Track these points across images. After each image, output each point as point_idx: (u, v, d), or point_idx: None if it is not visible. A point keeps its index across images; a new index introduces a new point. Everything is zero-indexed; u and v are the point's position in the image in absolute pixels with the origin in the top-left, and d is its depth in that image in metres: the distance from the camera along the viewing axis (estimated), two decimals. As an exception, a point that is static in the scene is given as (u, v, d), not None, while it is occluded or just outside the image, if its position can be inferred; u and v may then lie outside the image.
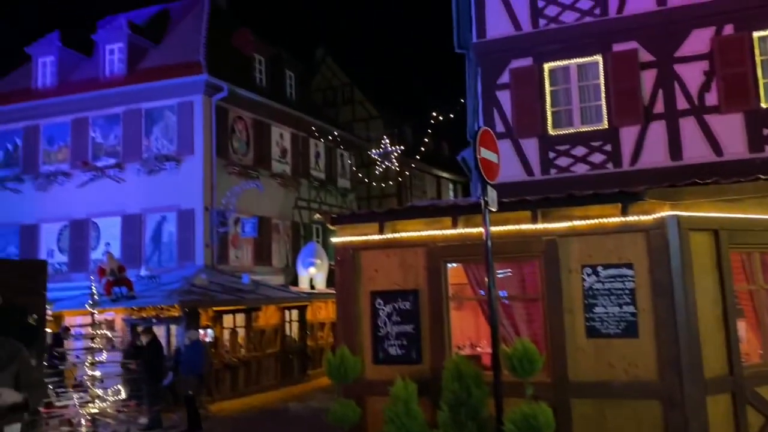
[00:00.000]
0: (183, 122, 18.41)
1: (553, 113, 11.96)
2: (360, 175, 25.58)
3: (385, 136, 20.51)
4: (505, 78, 12.59)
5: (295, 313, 17.41)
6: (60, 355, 11.41)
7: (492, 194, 5.73)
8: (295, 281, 20.72)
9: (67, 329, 13.08)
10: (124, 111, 19.04)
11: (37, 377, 3.86)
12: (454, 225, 6.28)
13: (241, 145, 19.91)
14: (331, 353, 6.23)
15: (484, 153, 5.53)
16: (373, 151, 20.44)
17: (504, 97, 12.56)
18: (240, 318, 15.17)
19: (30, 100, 20.18)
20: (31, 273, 9.18)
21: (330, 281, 20.42)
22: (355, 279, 6.56)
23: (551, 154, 11.83)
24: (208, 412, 12.45)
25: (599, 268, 6.25)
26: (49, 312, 11.43)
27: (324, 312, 18.41)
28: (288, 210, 21.89)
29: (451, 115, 19.13)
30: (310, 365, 17.43)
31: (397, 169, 21.89)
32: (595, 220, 6.19)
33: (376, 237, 6.52)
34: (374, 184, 25.69)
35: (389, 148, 20.38)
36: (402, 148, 20.69)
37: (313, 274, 19.31)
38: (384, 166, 20.84)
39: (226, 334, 14.84)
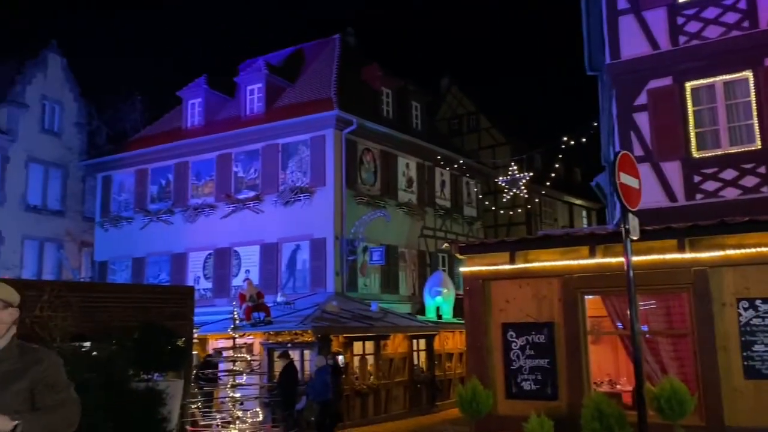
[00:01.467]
0: (315, 155, 19.26)
1: (697, 134, 11.17)
2: (486, 203, 25.30)
3: (512, 163, 20.18)
4: (642, 99, 12.00)
5: (422, 342, 17.39)
6: (207, 377, 12.13)
7: (633, 222, 5.41)
8: (421, 310, 20.74)
9: (219, 352, 13.83)
10: (263, 147, 20.26)
11: (62, 398, 3.07)
12: (592, 254, 5.99)
13: (368, 176, 20.44)
14: (461, 385, 6.10)
15: (624, 178, 5.25)
16: (501, 178, 20.17)
17: (642, 119, 11.95)
18: (369, 345, 15.40)
19: (181, 139, 22.04)
20: (180, 298, 9.90)
21: (457, 311, 20.23)
22: (485, 310, 6.42)
23: (696, 178, 11.02)
24: (340, 438, 12.66)
25: (758, 302, 5.69)
26: (195, 335, 12.22)
27: (451, 342, 18.24)
28: (414, 239, 22.07)
29: (584, 140, 18.45)
30: (438, 396, 17.28)
31: (526, 196, 21.41)
32: (753, 249, 5.64)
33: (507, 267, 6.36)
34: (501, 212, 25.29)
35: (517, 175, 20.00)
36: (531, 174, 20.23)
37: (440, 303, 19.22)
38: (512, 194, 20.48)
39: (356, 361, 15.11)
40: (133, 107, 27.88)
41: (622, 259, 5.42)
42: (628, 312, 5.25)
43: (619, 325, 6.19)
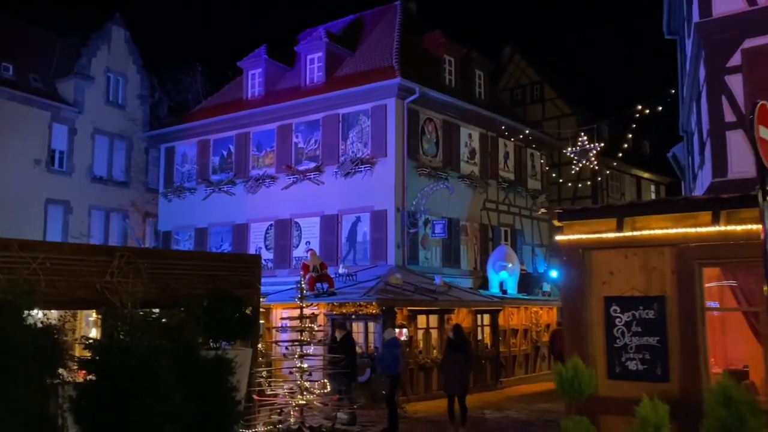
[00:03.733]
0: (376, 126, 18.83)
1: (799, 97, 10.17)
2: (554, 175, 24.39)
3: (582, 133, 19.23)
4: (736, 60, 11.01)
5: (486, 317, 16.91)
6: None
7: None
8: (483, 285, 20.24)
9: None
10: (323, 117, 19.95)
11: None
12: (715, 221, 5.31)
13: (430, 147, 19.90)
14: (559, 364, 5.57)
15: (764, 132, 4.57)
16: (569, 149, 19.28)
17: (735, 82, 10.98)
18: (433, 319, 15.05)
19: (241, 110, 21.97)
20: (248, 267, 9.75)
21: (521, 286, 19.64)
22: (585, 282, 5.85)
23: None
24: (405, 412, 12.40)
25: None
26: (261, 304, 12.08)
27: (516, 318, 17.70)
28: (476, 212, 21.47)
29: (659, 108, 17.35)
30: (502, 372, 16.83)
31: (596, 167, 20.43)
32: None
33: (612, 235, 5.75)
34: (569, 184, 24.35)
35: (588, 146, 19.06)
36: (602, 144, 19.25)
37: (504, 278, 18.66)
38: (580, 166, 19.57)
39: (420, 335, 14.79)
40: (195, 78, 28.05)
41: (750, 227, 4.79)
42: (766, 287, 4.59)
43: (743, 301, 5.55)
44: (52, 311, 7.46)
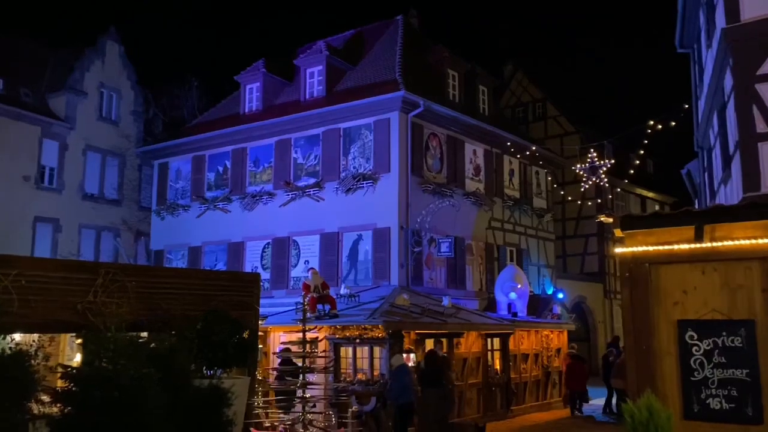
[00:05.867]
0: (379, 140, 18.13)
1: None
2: (562, 192, 23.72)
3: (592, 150, 18.55)
4: (767, 68, 10.41)
5: (497, 341, 16.05)
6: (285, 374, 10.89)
7: None
8: (489, 307, 19.40)
9: (288, 349, 12.61)
10: (324, 131, 19.24)
11: None
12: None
13: (435, 163, 19.20)
14: (630, 403, 4.64)
15: None
16: (579, 166, 18.58)
17: (767, 90, 10.36)
18: (442, 343, 14.15)
19: (238, 124, 21.25)
20: (246, 286, 8.88)
21: (531, 308, 18.81)
22: (652, 303, 4.97)
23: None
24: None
25: None
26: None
27: (527, 342, 16.83)
28: (481, 231, 20.72)
29: (673, 123, 16.70)
30: (513, 400, 15.91)
31: (607, 185, 19.75)
32: None
33: (686, 246, 4.91)
34: (578, 202, 23.67)
35: (596, 162, 18.37)
36: (613, 161, 18.58)
37: (514, 300, 17.83)
38: (589, 184, 18.86)
39: (428, 360, 13.88)
40: (190, 93, 27.39)
41: None
42: None
43: None
44: (30, 335, 6.65)
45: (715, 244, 4.76)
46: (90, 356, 6.11)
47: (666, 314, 4.86)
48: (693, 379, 4.69)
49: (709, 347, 4.71)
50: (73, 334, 7.75)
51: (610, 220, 5.23)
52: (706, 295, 4.76)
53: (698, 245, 4.75)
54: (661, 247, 4.87)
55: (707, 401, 4.63)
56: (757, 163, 10.33)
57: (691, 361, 4.71)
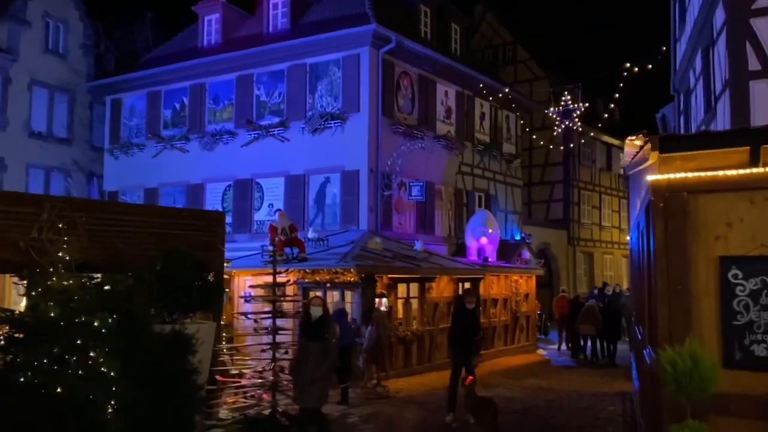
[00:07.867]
0: (348, 77, 17.21)
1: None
2: (534, 137, 23.29)
3: (566, 92, 18.04)
4: (762, 2, 9.91)
5: (468, 286, 15.70)
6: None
7: None
8: (457, 252, 19.09)
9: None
10: (289, 67, 18.19)
11: None
12: None
13: (406, 103, 18.43)
14: (670, 351, 4.06)
15: None
16: (552, 109, 18.10)
17: (762, 26, 9.89)
18: (414, 288, 13.75)
19: (196, 58, 19.98)
20: (210, 225, 8.18)
21: (500, 254, 18.56)
22: (690, 237, 4.36)
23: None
24: (387, 390, 11.15)
25: None
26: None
27: (497, 287, 16.57)
28: (451, 175, 20.21)
29: (649, 66, 16.25)
30: (483, 344, 15.71)
31: (580, 129, 19.36)
32: None
33: (732, 172, 4.32)
34: (551, 147, 23.30)
35: (570, 105, 17.91)
36: (587, 104, 18.13)
37: (484, 244, 17.51)
38: (562, 127, 18.44)
39: (400, 305, 13.50)
40: (144, 26, 25.65)
41: None
42: None
43: None
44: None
45: (763, 169, 4.22)
46: (35, 299, 5.41)
47: (706, 250, 4.31)
48: (736, 323, 4.21)
49: (756, 287, 4.22)
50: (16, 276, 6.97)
51: (639, 139, 4.60)
52: (755, 228, 4.22)
53: (749, 171, 4.19)
54: (703, 173, 4.30)
55: (751, 348, 4.18)
56: (748, 103, 9.96)
57: (734, 303, 4.22)
